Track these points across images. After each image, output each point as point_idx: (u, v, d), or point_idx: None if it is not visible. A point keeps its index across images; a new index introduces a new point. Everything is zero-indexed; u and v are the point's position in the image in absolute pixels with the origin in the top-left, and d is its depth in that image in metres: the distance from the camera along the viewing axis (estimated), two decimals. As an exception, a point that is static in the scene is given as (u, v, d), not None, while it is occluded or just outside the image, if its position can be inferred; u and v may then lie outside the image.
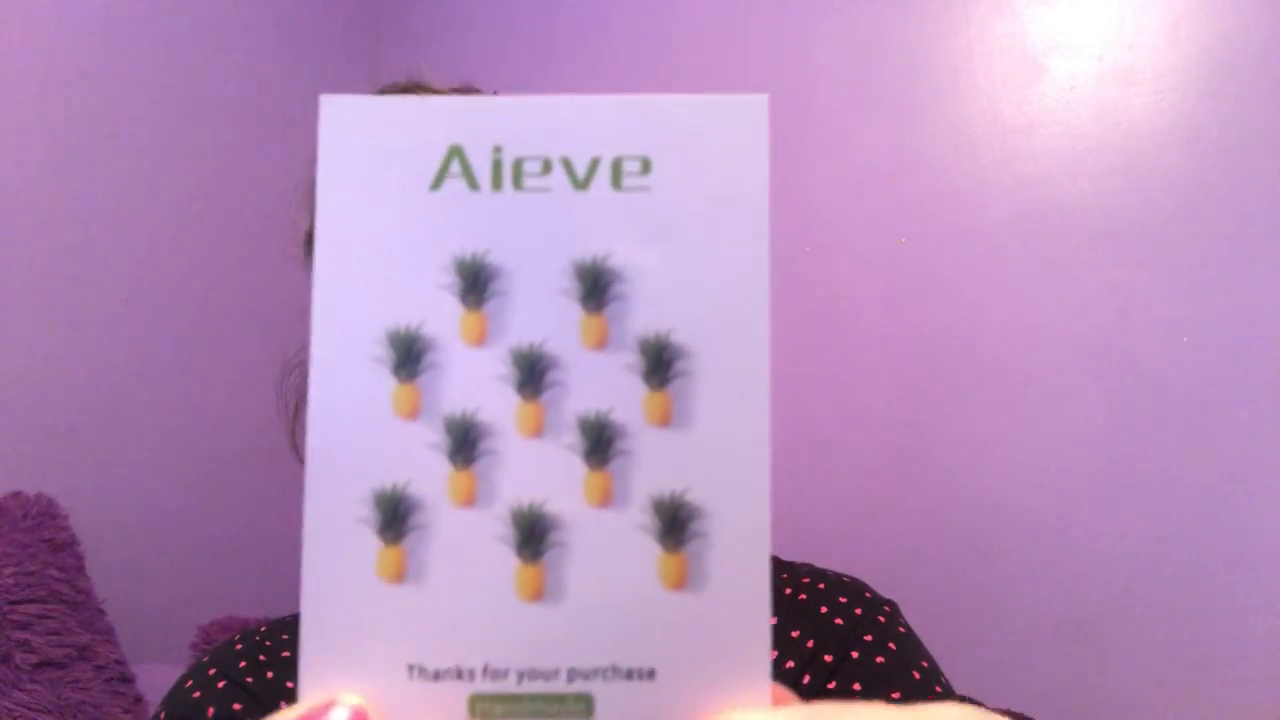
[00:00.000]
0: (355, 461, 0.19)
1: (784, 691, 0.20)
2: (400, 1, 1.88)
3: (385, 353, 0.19)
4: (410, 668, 0.19)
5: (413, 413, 0.19)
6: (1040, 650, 1.13)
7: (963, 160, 1.24)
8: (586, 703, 0.19)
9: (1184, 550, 1.07)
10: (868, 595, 0.53)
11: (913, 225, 1.27)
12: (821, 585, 0.53)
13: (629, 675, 0.19)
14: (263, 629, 0.54)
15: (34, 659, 0.98)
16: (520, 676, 0.19)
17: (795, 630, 0.50)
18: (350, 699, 0.18)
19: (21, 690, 0.96)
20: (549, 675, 0.19)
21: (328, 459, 0.19)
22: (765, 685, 0.19)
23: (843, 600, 0.51)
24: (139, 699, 1.07)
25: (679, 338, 0.19)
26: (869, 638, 0.49)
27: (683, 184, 0.20)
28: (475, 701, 0.19)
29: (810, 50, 1.38)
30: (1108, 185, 1.15)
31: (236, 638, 0.56)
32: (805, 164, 1.37)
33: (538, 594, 0.19)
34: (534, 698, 0.19)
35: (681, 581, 0.19)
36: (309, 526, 0.19)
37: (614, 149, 0.20)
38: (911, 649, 0.50)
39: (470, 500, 0.19)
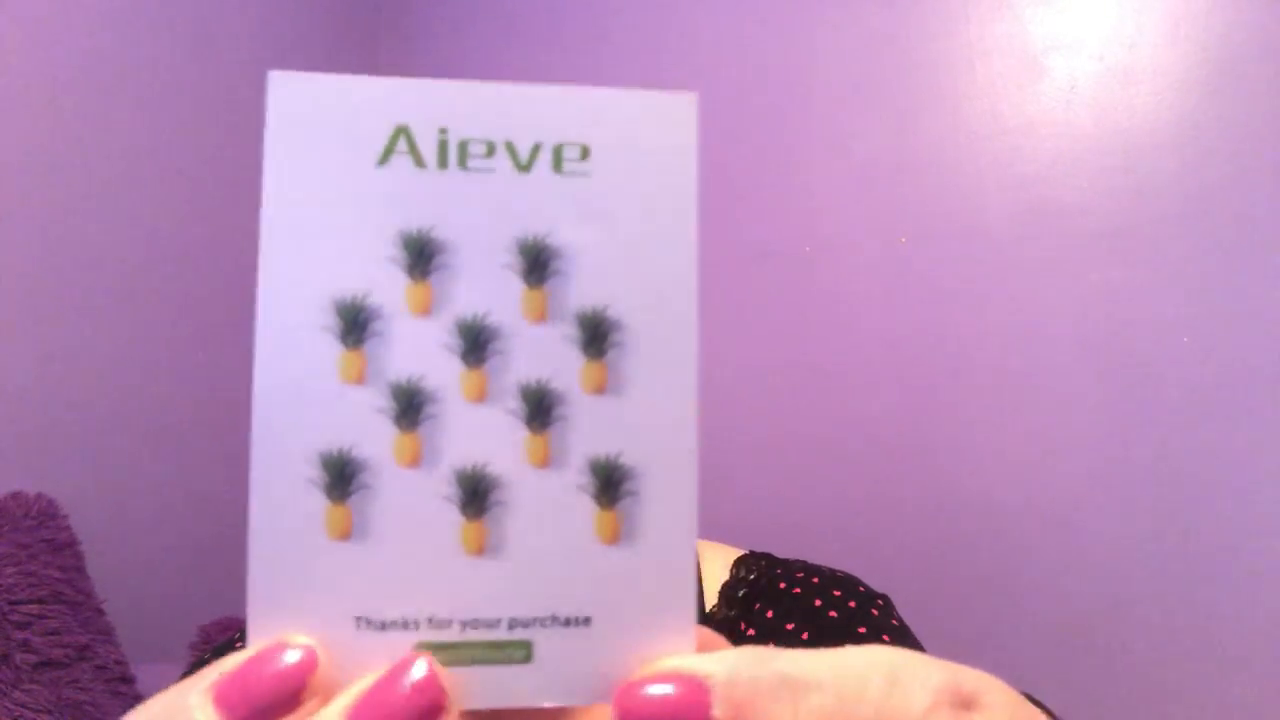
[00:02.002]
0: (301, 425, 0.20)
1: (711, 635, 0.21)
2: (398, 1, 1.88)
3: (331, 321, 0.20)
4: (358, 619, 0.20)
5: (359, 378, 0.20)
6: (1039, 650, 1.13)
7: (963, 160, 1.24)
8: (526, 649, 0.20)
9: (1184, 550, 1.07)
10: (861, 589, 0.53)
11: (913, 225, 1.27)
12: (815, 580, 0.53)
13: (566, 623, 0.20)
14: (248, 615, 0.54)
15: (34, 659, 0.98)
16: (463, 626, 0.20)
17: (790, 624, 0.51)
18: (300, 639, 0.19)
19: (21, 690, 0.96)
20: (491, 624, 0.20)
21: (274, 423, 0.20)
22: (690, 630, 0.20)
23: (837, 594, 0.52)
24: (139, 699, 1.07)
25: (614, 312, 0.21)
26: (863, 630, 0.49)
27: (620, 171, 0.21)
28: (420, 650, 0.20)
29: (810, 50, 1.38)
30: (1108, 185, 1.15)
31: (237, 636, 0.56)
32: (805, 164, 1.37)
33: (480, 549, 0.20)
34: (476, 645, 0.20)
35: (615, 536, 0.20)
36: (255, 488, 0.20)
37: (555, 136, 0.21)
38: (905, 643, 0.50)
39: (416, 461, 0.20)
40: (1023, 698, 0.18)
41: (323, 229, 0.20)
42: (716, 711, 0.17)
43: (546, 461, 0.20)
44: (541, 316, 0.21)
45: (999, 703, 0.18)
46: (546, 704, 0.20)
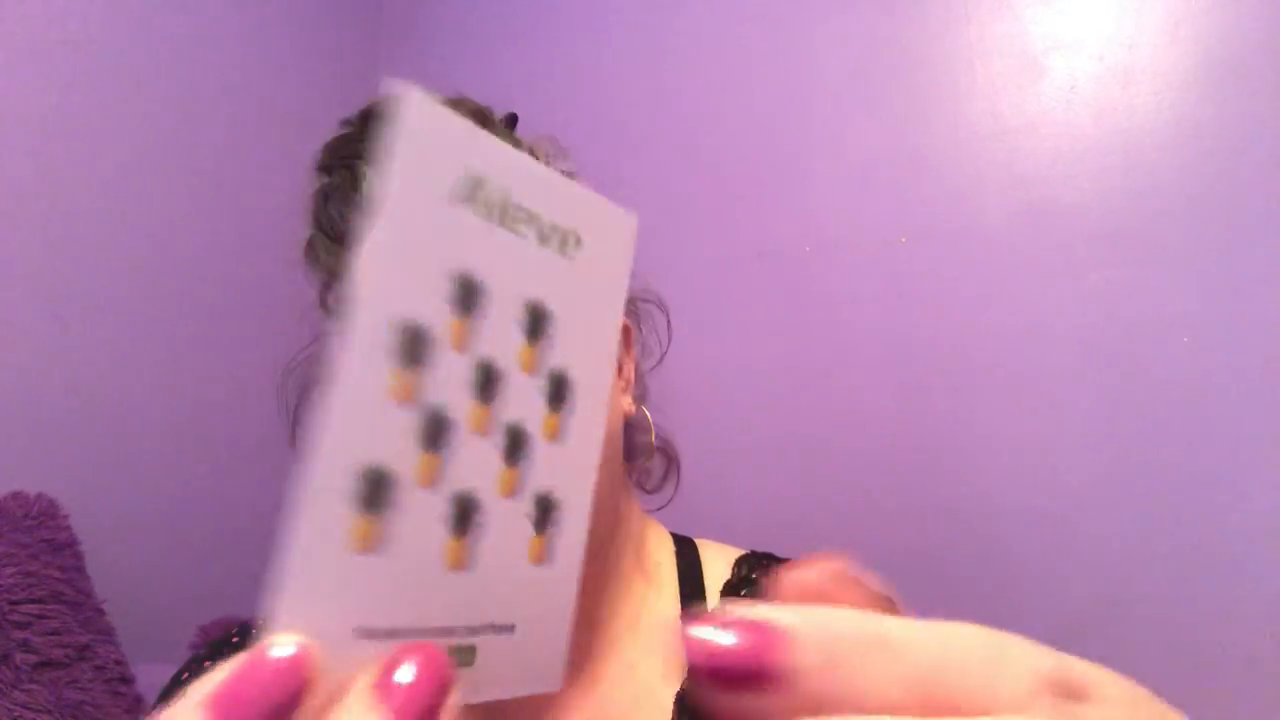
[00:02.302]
0: (353, 437, 0.21)
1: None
2: (400, 0, 1.88)
3: (394, 340, 0.21)
4: (356, 629, 0.21)
5: (406, 398, 0.21)
6: (1040, 650, 1.13)
7: (963, 160, 1.24)
8: (472, 653, 0.23)
9: (1183, 550, 1.07)
10: None
11: (913, 225, 1.27)
12: None
13: (497, 630, 0.24)
14: (260, 625, 0.54)
15: (34, 659, 0.98)
16: (433, 635, 0.22)
17: None
18: (289, 639, 0.19)
19: (21, 690, 0.96)
20: (451, 633, 0.23)
21: (336, 431, 0.20)
22: (562, 633, 0.25)
23: None
24: (139, 699, 1.07)
25: (572, 374, 0.25)
26: None
27: (593, 261, 0.26)
28: None
29: (810, 50, 1.38)
30: (1108, 185, 1.15)
31: (233, 632, 0.56)
32: (805, 164, 1.37)
33: (460, 565, 0.23)
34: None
35: (540, 558, 0.25)
36: (310, 496, 0.20)
37: (567, 222, 0.25)
38: None
39: (431, 483, 0.22)
40: (1147, 693, 0.17)
41: (407, 251, 0.21)
42: (793, 659, 0.16)
43: (512, 492, 0.24)
44: (531, 368, 0.24)
45: (1115, 696, 0.16)
46: (484, 699, 0.23)
